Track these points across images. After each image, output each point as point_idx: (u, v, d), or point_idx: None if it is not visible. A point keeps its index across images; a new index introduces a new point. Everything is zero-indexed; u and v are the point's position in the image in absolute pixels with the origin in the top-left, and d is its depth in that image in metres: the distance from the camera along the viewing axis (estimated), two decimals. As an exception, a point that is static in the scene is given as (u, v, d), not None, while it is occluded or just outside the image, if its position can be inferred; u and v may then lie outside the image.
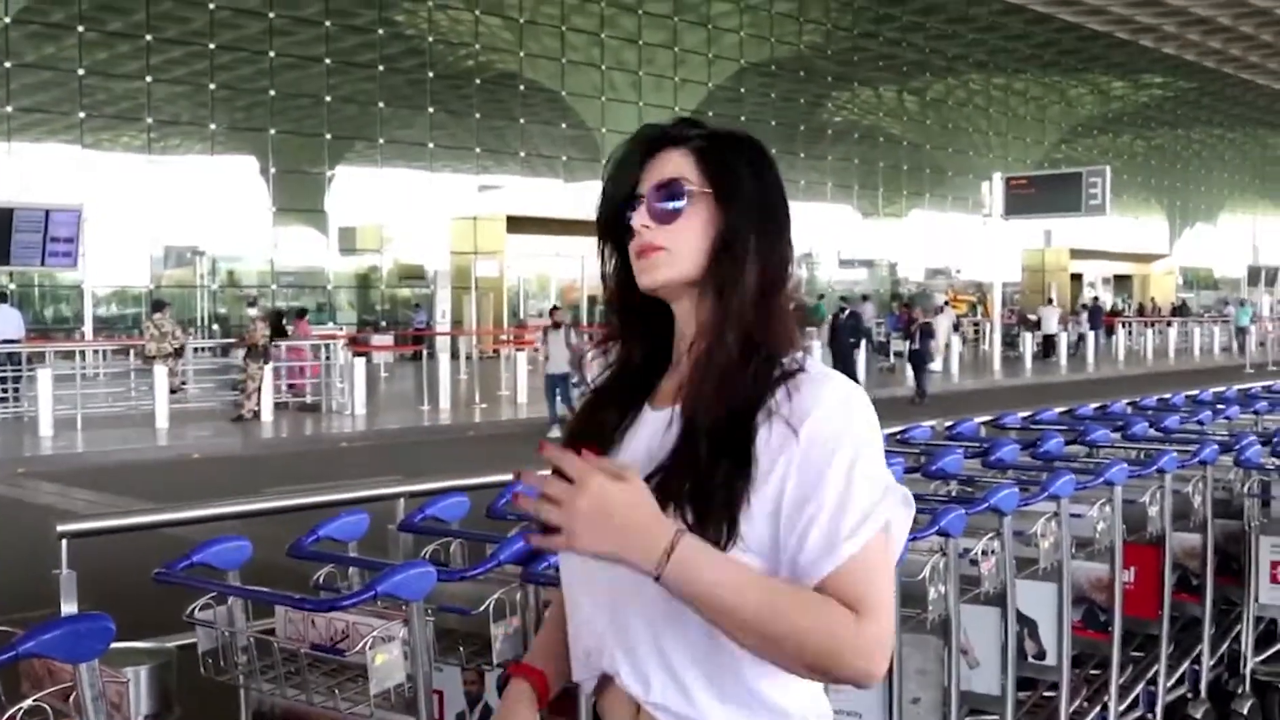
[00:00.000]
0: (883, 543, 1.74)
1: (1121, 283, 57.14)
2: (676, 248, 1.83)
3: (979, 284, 49.11)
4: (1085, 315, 38.31)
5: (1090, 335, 35.67)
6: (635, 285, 1.88)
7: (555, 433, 16.79)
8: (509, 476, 5.05)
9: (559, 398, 18.32)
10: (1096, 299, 42.05)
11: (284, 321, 24.03)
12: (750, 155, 1.89)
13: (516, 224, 34.60)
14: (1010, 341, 35.44)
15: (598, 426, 1.90)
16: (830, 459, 1.72)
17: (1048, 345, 35.51)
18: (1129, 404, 8.41)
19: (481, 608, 3.62)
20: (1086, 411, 7.87)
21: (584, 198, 39.94)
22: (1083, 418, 7.59)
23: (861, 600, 1.68)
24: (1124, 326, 37.84)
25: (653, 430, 1.84)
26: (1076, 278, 52.60)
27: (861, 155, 48.83)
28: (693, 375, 1.82)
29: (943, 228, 52.97)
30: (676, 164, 1.86)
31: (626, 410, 1.90)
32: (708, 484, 1.73)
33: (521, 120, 38.97)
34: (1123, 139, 62.32)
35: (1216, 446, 5.97)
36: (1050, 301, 38.73)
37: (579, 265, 37.61)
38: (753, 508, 1.73)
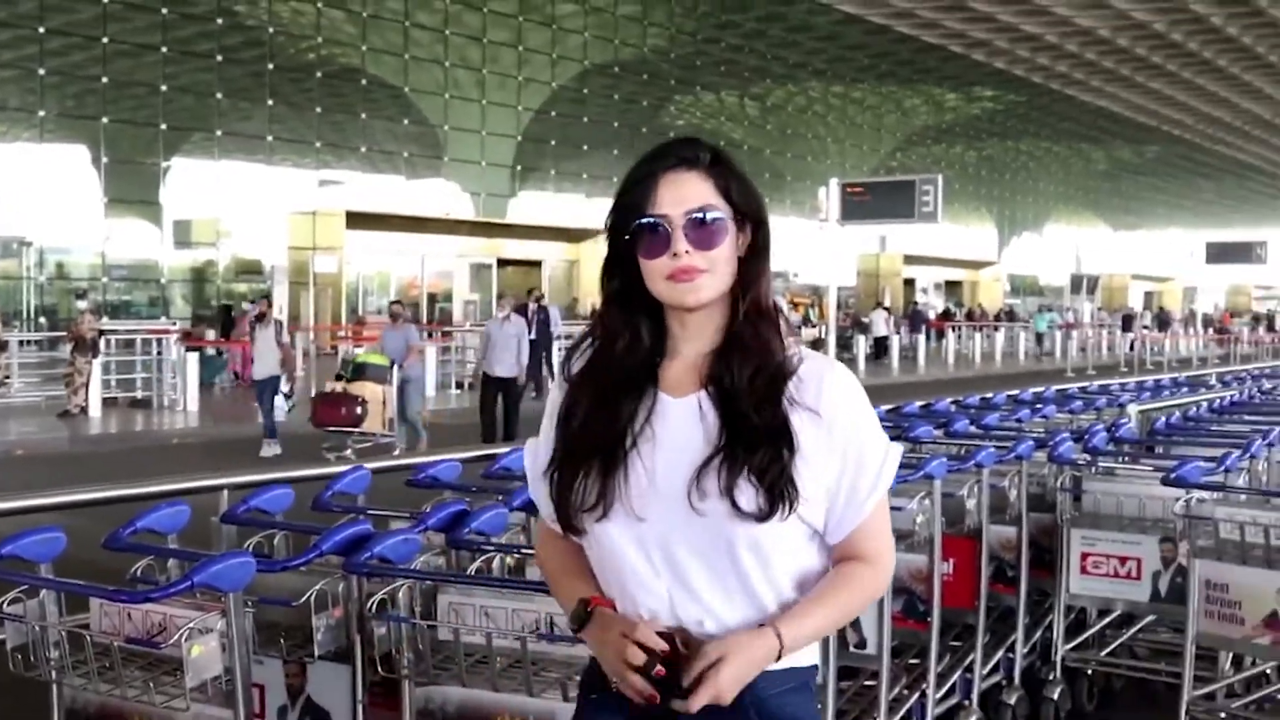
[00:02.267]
0: (885, 499, 2.22)
1: (953, 288, 58.55)
2: (716, 269, 2.13)
3: (815, 287, 49.94)
4: (906, 320, 39.07)
5: (910, 339, 36.43)
6: (632, 289, 2.17)
7: (272, 449, 15.27)
8: (335, 469, 4.99)
9: (270, 405, 16.01)
10: (916, 303, 42.95)
11: (231, 314, 26.50)
12: (741, 170, 2.22)
13: (357, 220, 34.12)
14: (844, 344, 36.06)
15: (614, 417, 2.15)
16: (850, 435, 2.14)
17: (880, 347, 36.20)
18: (952, 402, 8.64)
19: (303, 599, 3.58)
20: (912, 409, 8.07)
21: (426, 195, 39.60)
22: (908, 415, 7.78)
23: (874, 549, 2.20)
24: (954, 330, 38.73)
25: (684, 417, 2.14)
26: (910, 283, 53.73)
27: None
28: (722, 363, 2.14)
29: (781, 231, 53.60)
30: (699, 189, 2.14)
31: (636, 400, 2.16)
32: (766, 456, 2.07)
33: (363, 115, 38.47)
34: (955, 149, 63.89)
35: (1032, 443, 6.16)
36: (880, 305, 39.48)
37: (419, 263, 37.29)
38: (801, 473, 2.10)
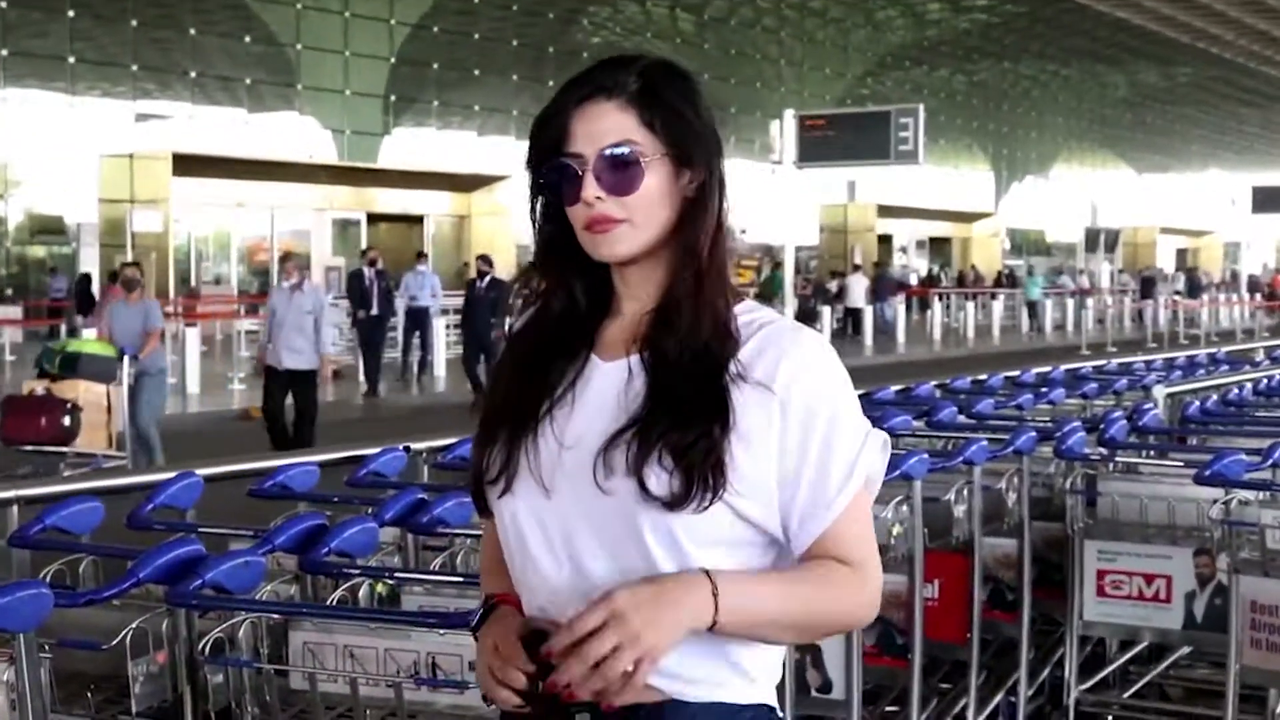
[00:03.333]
0: (865, 495, 2.22)
1: (939, 246, 58.94)
2: (637, 218, 2.20)
3: (768, 247, 50.11)
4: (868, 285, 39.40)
5: (878, 309, 36.70)
6: (565, 239, 2.25)
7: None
8: (155, 476, 4.94)
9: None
10: (881, 265, 43.24)
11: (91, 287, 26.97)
12: (686, 90, 2.28)
13: (186, 164, 33.68)
14: (805, 316, 36.24)
15: (534, 380, 2.25)
16: (812, 420, 2.17)
17: (854, 321, 36.45)
18: (937, 386, 8.70)
19: (116, 640, 3.54)
20: (886, 395, 8.13)
21: (274, 133, 39.27)
22: (881, 403, 7.81)
23: (853, 555, 2.20)
24: (940, 299, 39.05)
25: (611, 381, 2.22)
26: (885, 240, 54.05)
27: (625, 85, 49.32)
28: (659, 326, 2.21)
29: (726, 177, 53.76)
30: (618, 122, 2.20)
31: (567, 362, 2.26)
32: (690, 432, 2.12)
33: (192, 31, 38.06)
34: (940, 73, 64.38)
35: (1035, 434, 6.20)
36: (857, 269, 39.74)
37: (267, 219, 36.99)
38: (736, 457, 2.13)
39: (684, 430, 2.12)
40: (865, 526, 2.24)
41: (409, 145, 42.66)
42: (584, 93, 2.22)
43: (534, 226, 2.30)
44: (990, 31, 63.59)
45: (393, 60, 42.43)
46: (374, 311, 20.10)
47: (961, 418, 7.19)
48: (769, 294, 38.98)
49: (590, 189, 2.19)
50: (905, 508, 5.25)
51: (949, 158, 63.26)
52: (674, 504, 2.11)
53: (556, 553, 2.20)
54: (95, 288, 30.36)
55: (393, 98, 42.79)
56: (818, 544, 2.19)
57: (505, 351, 2.37)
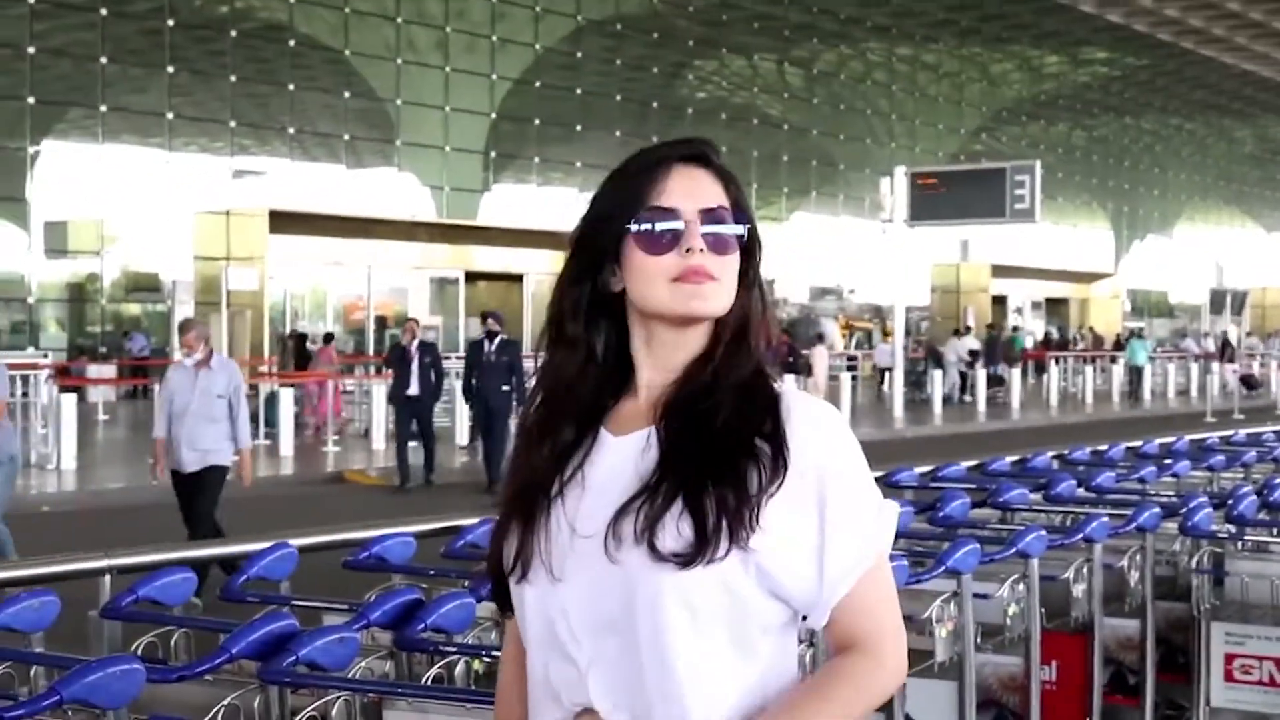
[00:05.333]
0: (881, 568, 2.29)
1: (1056, 308, 58.49)
2: (726, 279, 2.28)
3: (877, 307, 49.92)
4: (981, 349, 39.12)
5: (992, 371, 36.43)
6: (603, 305, 2.32)
7: None
8: (250, 546, 4.98)
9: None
10: (995, 328, 42.97)
11: (306, 344, 27.54)
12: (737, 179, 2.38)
13: (283, 221, 34.13)
14: (916, 381, 36.05)
15: (545, 462, 2.30)
16: (828, 487, 2.23)
17: (962, 385, 36.19)
18: (1054, 457, 8.62)
19: (208, 718, 3.56)
20: (1001, 466, 8.05)
21: (373, 190, 39.69)
22: (995, 474, 7.76)
23: (869, 631, 2.28)
24: (1056, 363, 38.72)
25: (624, 456, 2.27)
26: (1000, 301, 53.72)
27: (730, 142, 49.32)
28: (683, 392, 2.28)
29: (832, 236, 53.76)
30: (714, 189, 2.32)
31: (582, 437, 2.31)
32: (705, 487, 2.18)
33: (291, 86, 38.62)
34: (1057, 128, 64.03)
35: (1159, 510, 6.13)
36: (965, 330, 39.53)
37: (363, 277, 37.36)
38: (755, 515, 2.19)
39: (697, 486, 2.19)
40: (883, 598, 2.31)
41: (509, 202, 42.98)
42: (681, 153, 2.33)
43: (571, 285, 2.36)
44: (1110, 85, 63.29)
45: (493, 116, 42.80)
46: (411, 391, 18.82)
47: (1080, 491, 7.11)
48: (1011, 356, 38.95)
49: (696, 239, 2.26)
50: (1022, 586, 5.20)
51: (1067, 216, 62.81)
52: (689, 558, 2.16)
53: (577, 638, 2.24)
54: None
55: (493, 154, 43.17)
56: (836, 621, 2.28)
57: (520, 439, 2.40)
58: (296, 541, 4.96)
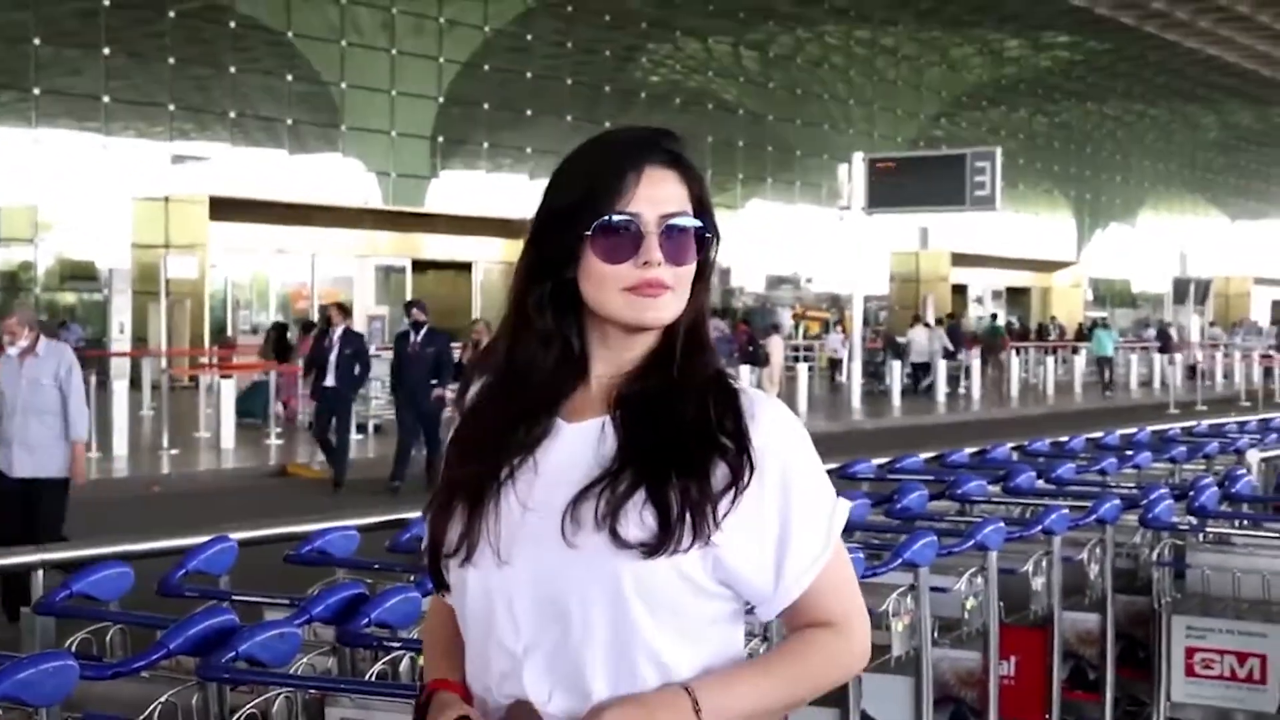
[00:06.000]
0: (840, 553, 2.37)
1: (1017, 297, 58.72)
2: (680, 288, 2.33)
3: (835, 297, 50.01)
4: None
5: (955, 363, 36.59)
6: (568, 297, 2.34)
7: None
8: (189, 540, 4.97)
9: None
10: (953, 315, 43.16)
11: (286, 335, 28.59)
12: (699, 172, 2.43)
13: (224, 208, 33.95)
14: (874, 372, 36.12)
15: (496, 447, 2.32)
16: (788, 485, 2.29)
17: (919, 376, 36.30)
18: (1014, 448, 8.66)
19: (144, 715, 3.55)
20: (960, 458, 8.08)
21: (317, 176, 39.54)
22: (954, 465, 7.80)
23: (837, 613, 2.36)
24: (1016, 353, 38.88)
25: (579, 443, 2.31)
26: (960, 290, 53.89)
27: (685, 127, 49.28)
28: (638, 383, 2.33)
29: (789, 223, 53.84)
30: (678, 193, 2.35)
31: (530, 427, 2.34)
32: (669, 479, 2.22)
33: (232, 69, 38.43)
34: (1019, 113, 64.29)
35: (1119, 502, 6.16)
36: (919, 320, 39.66)
37: (307, 265, 37.21)
38: (717, 508, 2.24)
39: (661, 477, 2.23)
40: (844, 585, 2.38)
41: (457, 189, 42.91)
42: (653, 156, 2.35)
43: (532, 278, 2.37)
44: (1072, 70, 63.54)
45: (441, 100, 42.70)
46: (327, 382, 17.98)
47: (1040, 483, 7.16)
48: (991, 345, 39.02)
49: (654, 252, 2.29)
50: (980, 579, 5.23)
51: (1028, 203, 63.10)
52: (653, 548, 2.20)
53: (516, 621, 2.27)
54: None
55: (440, 139, 43.07)
56: (796, 608, 2.34)
57: (464, 422, 2.42)
58: (236, 535, 4.94)
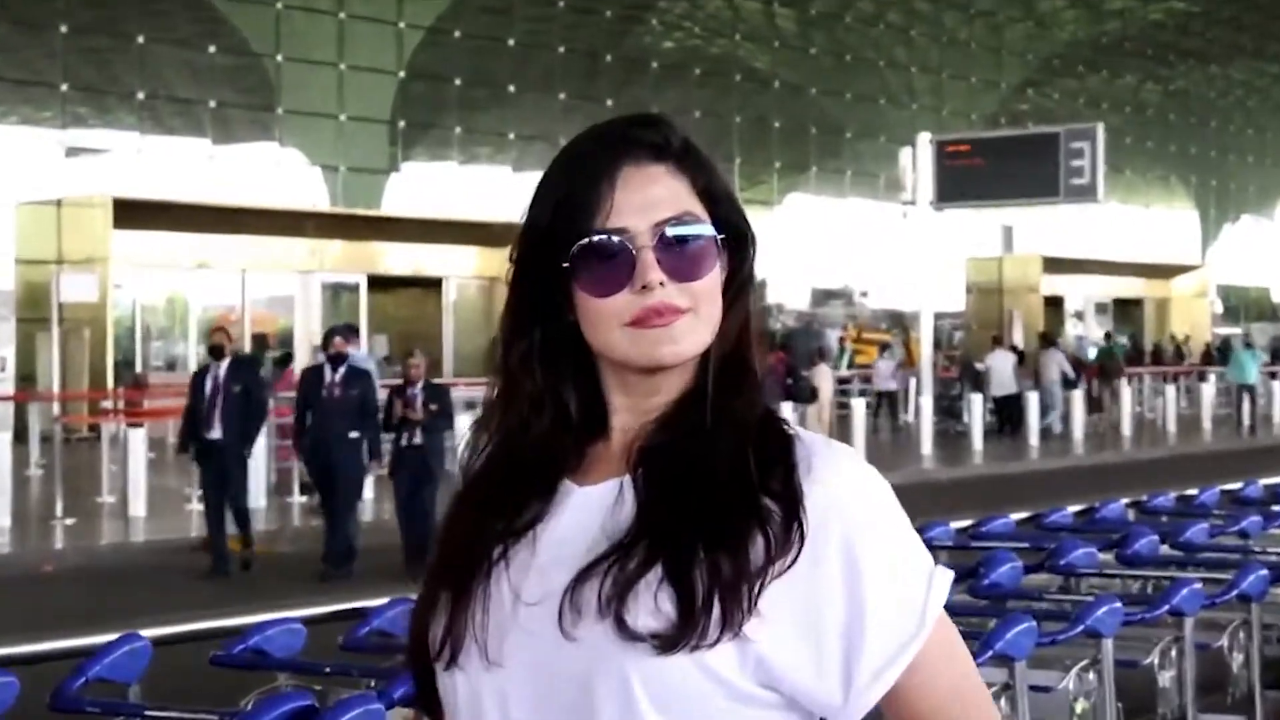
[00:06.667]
0: (944, 638, 2.25)
1: (1126, 310, 58.72)
2: (702, 308, 2.26)
3: (897, 314, 50.03)
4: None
5: (1047, 396, 36.56)
6: (565, 341, 2.31)
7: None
8: (93, 640, 4.94)
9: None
10: (1045, 335, 43.09)
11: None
12: (712, 163, 2.36)
13: (131, 213, 33.96)
14: (949, 407, 36.13)
15: (490, 521, 2.28)
16: (856, 559, 2.18)
17: (1008, 412, 36.28)
18: (1129, 505, 8.63)
19: None
20: (1061, 519, 8.05)
21: (246, 170, 39.63)
22: (1054, 529, 7.76)
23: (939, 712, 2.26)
24: (1130, 382, 38.83)
25: (591, 509, 2.25)
26: (1054, 303, 53.93)
27: (706, 104, 49.48)
28: (662, 431, 2.27)
29: (838, 223, 53.89)
30: (673, 190, 2.28)
31: (538, 489, 2.29)
32: (693, 551, 2.14)
33: (140, 39, 38.56)
34: (1124, 80, 64.32)
35: (1266, 572, 6.13)
36: (1000, 342, 39.62)
37: (237, 283, 37.28)
38: (759, 589, 2.15)
39: (683, 550, 2.15)
40: (951, 679, 2.29)
41: (423, 186, 42.98)
42: (628, 151, 2.28)
43: (518, 325, 2.34)
44: (1190, 24, 63.60)
45: (402, 75, 42.81)
46: (211, 433, 17.02)
47: (1165, 549, 7.11)
48: (1110, 368, 39.01)
49: (652, 271, 2.23)
50: (1092, 675, 5.19)
51: (1138, 193, 63.14)
52: (668, 641, 2.12)
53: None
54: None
55: (401, 124, 43.17)
56: (889, 709, 2.25)
57: (459, 497, 2.39)
58: (150, 632, 4.93)
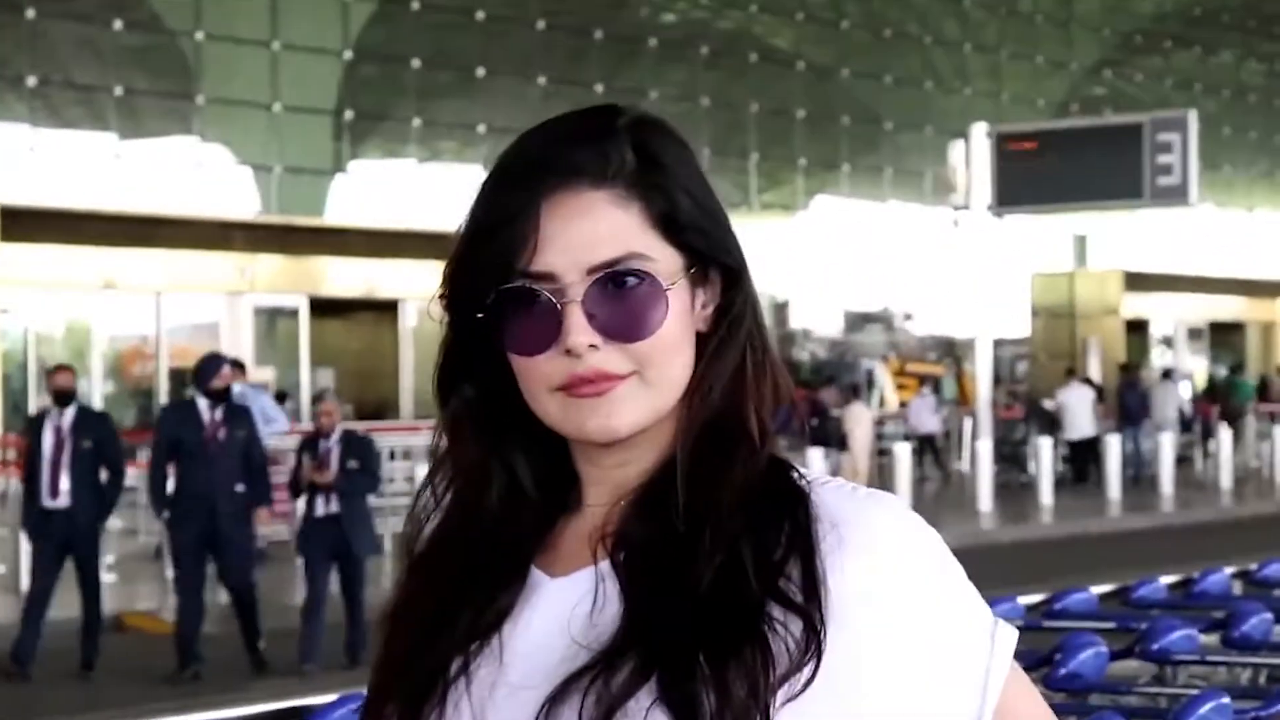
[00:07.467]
0: (1021, 695, 2.26)
1: (1224, 336, 58.84)
2: (651, 371, 2.20)
3: (948, 342, 50.08)
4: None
5: (1130, 440, 36.60)
6: (503, 398, 2.26)
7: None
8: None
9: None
10: (1128, 367, 43.13)
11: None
12: (688, 159, 2.29)
13: (21, 223, 34.12)
14: (1012, 454, 36.17)
15: (446, 610, 2.24)
16: (908, 636, 2.14)
17: (1083, 459, 36.33)
18: (1235, 575, 8.62)
19: None
20: (1153, 593, 8.04)
21: (161, 171, 39.67)
22: (1145, 605, 7.75)
23: None
24: (1231, 424, 38.86)
25: (564, 605, 2.19)
26: (1137, 327, 54.05)
27: (716, 90, 49.61)
28: (644, 509, 2.20)
29: (876, 232, 53.96)
30: (615, 224, 2.19)
31: (502, 576, 2.24)
32: (698, 683, 2.06)
33: (31, 13, 38.65)
34: (1219, 58, 64.46)
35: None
36: (1075, 375, 39.65)
37: (151, 307, 37.36)
38: (777, 701, 2.08)
39: (681, 664, 2.08)
40: None
41: (375, 190, 43.05)
42: (555, 176, 2.20)
43: (447, 380, 2.31)
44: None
45: (349, 55, 42.90)
46: (52, 501, 16.51)
47: (1280, 630, 7.11)
48: (1235, 408, 39.12)
49: (579, 333, 2.16)
50: (1195, 786, 5.17)
51: (1238, 194, 63.20)
52: None
53: None
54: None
55: (349, 114, 43.22)
56: None
57: (402, 587, 2.35)
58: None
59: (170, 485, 16.96)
